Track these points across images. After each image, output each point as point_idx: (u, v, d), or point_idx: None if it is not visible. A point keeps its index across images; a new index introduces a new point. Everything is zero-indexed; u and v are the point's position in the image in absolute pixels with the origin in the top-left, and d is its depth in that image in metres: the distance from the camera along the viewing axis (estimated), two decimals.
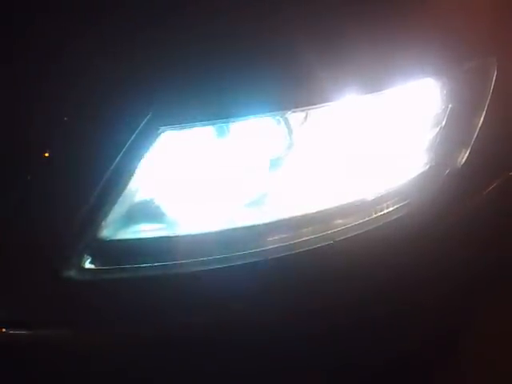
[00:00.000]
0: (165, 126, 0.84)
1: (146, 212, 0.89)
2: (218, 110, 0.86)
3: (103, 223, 0.85)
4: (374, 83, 0.91)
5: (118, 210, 0.86)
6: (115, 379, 0.92)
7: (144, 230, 0.89)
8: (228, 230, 0.91)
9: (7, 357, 0.89)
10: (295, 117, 0.90)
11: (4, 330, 0.88)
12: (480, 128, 0.98)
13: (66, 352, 0.90)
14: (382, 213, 0.97)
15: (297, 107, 0.89)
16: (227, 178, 0.90)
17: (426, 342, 1.25)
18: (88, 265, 0.87)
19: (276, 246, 0.91)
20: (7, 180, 0.82)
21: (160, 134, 0.84)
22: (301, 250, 0.91)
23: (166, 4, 0.88)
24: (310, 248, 0.92)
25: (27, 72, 0.83)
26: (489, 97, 0.99)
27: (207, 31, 0.86)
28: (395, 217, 0.97)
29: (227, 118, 0.87)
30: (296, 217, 0.92)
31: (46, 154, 0.81)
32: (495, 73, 0.98)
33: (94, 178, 0.83)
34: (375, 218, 0.97)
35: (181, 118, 0.86)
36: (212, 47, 0.86)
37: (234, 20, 0.87)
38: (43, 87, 0.83)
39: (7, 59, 0.84)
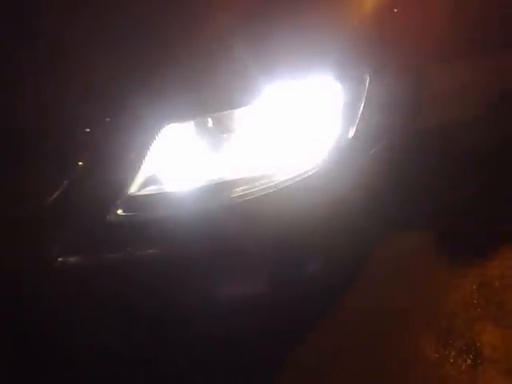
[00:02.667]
0: (168, 121, 1.34)
1: (156, 177, 1.39)
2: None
3: (131, 185, 1.35)
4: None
5: (140, 176, 1.35)
6: (141, 289, 1.41)
7: (155, 188, 1.39)
8: (206, 185, 1.41)
9: (63, 281, 1.37)
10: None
11: (61, 259, 1.35)
12: (360, 116, 1.52)
13: (106, 271, 1.38)
14: (302, 172, 1.48)
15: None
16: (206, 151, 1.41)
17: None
18: (121, 212, 1.36)
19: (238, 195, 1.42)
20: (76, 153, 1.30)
21: (165, 126, 1.34)
22: (254, 196, 1.42)
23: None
24: (259, 195, 1.43)
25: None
26: (364, 97, 1.52)
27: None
28: (311, 174, 1.49)
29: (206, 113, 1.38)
30: (251, 175, 1.43)
31: (99, 140, 1.30)
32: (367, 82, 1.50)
33: (126, 156, 1.33)
34: (298, 175, 1.48)
35: (177, 115, 1.36)
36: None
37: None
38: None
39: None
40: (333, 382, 1.84)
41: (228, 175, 1.41)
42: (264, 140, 1.45)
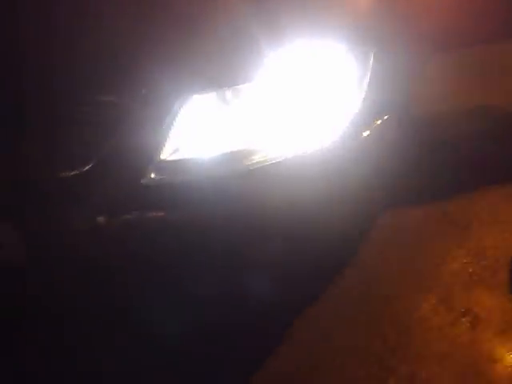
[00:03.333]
0: (192, 93, 1.49)
1: (183, 143, 1.53)
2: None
3: (161, 151, 1.48)
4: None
5: (169, 143, 1.49)
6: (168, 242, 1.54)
7: (181, 154, 1.53)
8: (224, 153, 1.55)
9: (103, 238, 1.50)
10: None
11: (102, 217, 1.48)
12: (366, 90, 1.68)
13: (139, 230, 1.51)
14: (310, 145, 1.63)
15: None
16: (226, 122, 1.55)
17: None
18: (153, 175, 1.49)
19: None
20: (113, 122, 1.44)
21: (190, 98, 1.48)
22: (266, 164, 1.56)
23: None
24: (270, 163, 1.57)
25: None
26: (369, 73, 1.69)
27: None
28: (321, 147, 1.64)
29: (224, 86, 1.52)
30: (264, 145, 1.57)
31: (133, 110, 1.45)
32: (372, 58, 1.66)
33: (158, 125, 1.47)
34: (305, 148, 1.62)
35: (199, 88, 1.50)
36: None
37: None
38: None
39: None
40: (339, 338, 1.95)
41: (243, 145, 1.55)
42: (276, 112, 1.60)
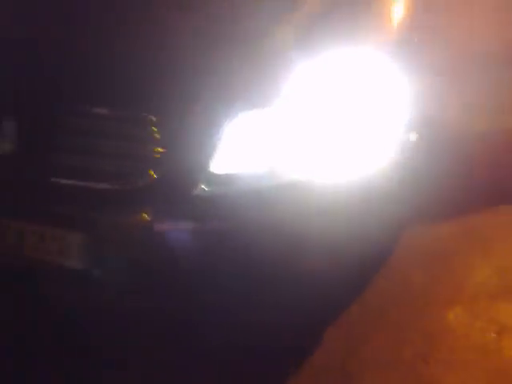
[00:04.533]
0: (241, 111, 1.61)
1: (231, 158, 1.65)
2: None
3: (212, 164, 1.61)
4: None
5: (219, 157, 1.62)
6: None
7: (230, 167, 1.65)
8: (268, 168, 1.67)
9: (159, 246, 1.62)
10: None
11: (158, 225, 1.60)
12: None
13: (191, 238, 1.63)
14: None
15: None
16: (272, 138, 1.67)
17: None
18: (205, 187, 1.61)
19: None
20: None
21: (239, 115, 1.61)
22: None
23: None
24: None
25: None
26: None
27: None
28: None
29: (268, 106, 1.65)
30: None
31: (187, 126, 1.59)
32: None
33: (209, 141, 1.60)
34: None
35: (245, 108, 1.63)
36: None
37: None
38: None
39: None
40: (367, 350, 2.03)
41: (286, 160, 1.68)
42: (322, 133, 1.71)
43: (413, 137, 1.86)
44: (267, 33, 1.74)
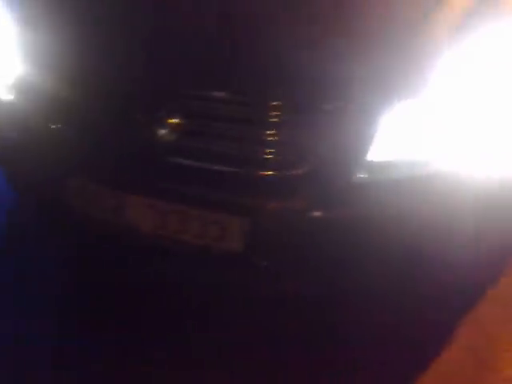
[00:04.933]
0: (397, 100, 1.68)
1: (387, 145, 1.71)
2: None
3: (368, 152, 1.67)
4: None
5: (375, 146, 1.68)
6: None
7: (386, 155, 1.71)
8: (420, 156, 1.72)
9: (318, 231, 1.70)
10: None
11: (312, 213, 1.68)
12: None
13: (348, 223, 1.69)
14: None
15: None
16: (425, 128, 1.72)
17: None
18: (361, 174, 1.68)
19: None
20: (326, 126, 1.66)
21: (395, 104, 1.67)
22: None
23: None
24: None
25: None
26: None
27: None
28: None
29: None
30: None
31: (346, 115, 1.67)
32: None
33: (366, 129, 1.67)
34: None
35: (400, 98, 1.69)
36: None
37: None
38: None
39: None
40: None
41: (436, 150, 1.73)
42: (474, 124, 1.75)
43: None
44: (416, 22, 1.79)
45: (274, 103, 1.67)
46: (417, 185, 1.72)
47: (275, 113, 1.67)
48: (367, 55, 1.71)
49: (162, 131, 1.77)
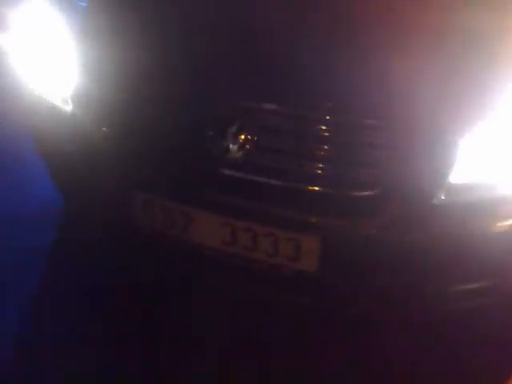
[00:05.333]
0: (476, 123, 1.66)
1: (469, 168, 1.67)
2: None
3: (449, 173, 1.65)
4: None
5: (456, 167, 1.65)
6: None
7: (468, 178, 1.68)
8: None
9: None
10: None
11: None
12: None
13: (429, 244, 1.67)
14: None
15: None
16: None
17: None
18: (443, 196, 1.65)
19: None
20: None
21: (475, 127, 1.65)
22: None
23: None
24: None
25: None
26: None
27: None
28: None
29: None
30: None
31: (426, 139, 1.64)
32: None
33: (446, 151, 1.64)
34: None
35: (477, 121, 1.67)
36: None
37: None
38: None
39: None
40: None
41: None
42: None
43: None
44: (492, 47, 1.76)
45: (369, 121, 1.66)
46: (496, 207, 1.69)
47: (367, 132, 1.66)
48: (448, 79, 1.69)
49: (233, 147, 1.73)
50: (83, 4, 2.06)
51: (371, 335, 2.09)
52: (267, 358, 2.04)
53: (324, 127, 1.68)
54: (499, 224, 1.70)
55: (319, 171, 1.70)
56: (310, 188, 1.71)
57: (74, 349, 2.03)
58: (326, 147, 1.68)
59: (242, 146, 1.73)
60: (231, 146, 1.73)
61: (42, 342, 2.06)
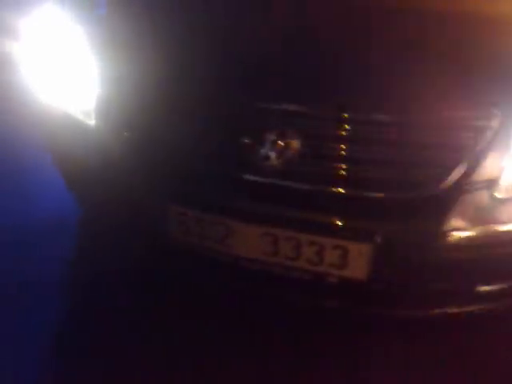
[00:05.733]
0: None
1: None
2: None
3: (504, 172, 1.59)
4: None
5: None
6: None
7: None
8: None
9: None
10: None
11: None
12: None
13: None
14: None
15: None
16: None
17: None
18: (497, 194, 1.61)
19: None
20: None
21: None
22: None
23: None
24: None
25: None
26: None
27: None
28: None
29: None
30: None
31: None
32: None
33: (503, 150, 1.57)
34: None
35: None
36: None
37: None
38: None
39: None
40: None
41: None
42: None
43: None
44: None
45: (426, 121, 1.61)
46: None
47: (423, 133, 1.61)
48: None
49: (272, 154, 1.66)
50: (101, 12, 1.97)
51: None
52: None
53: (376, 129, 1.61)
54: None
55: (366, 175, 1.63)
56: (360, 193, 1.64)
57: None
58: (370, 150, 1.62)
59: (281, 153, 1.66)
60: (270, 153, 1.66)
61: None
